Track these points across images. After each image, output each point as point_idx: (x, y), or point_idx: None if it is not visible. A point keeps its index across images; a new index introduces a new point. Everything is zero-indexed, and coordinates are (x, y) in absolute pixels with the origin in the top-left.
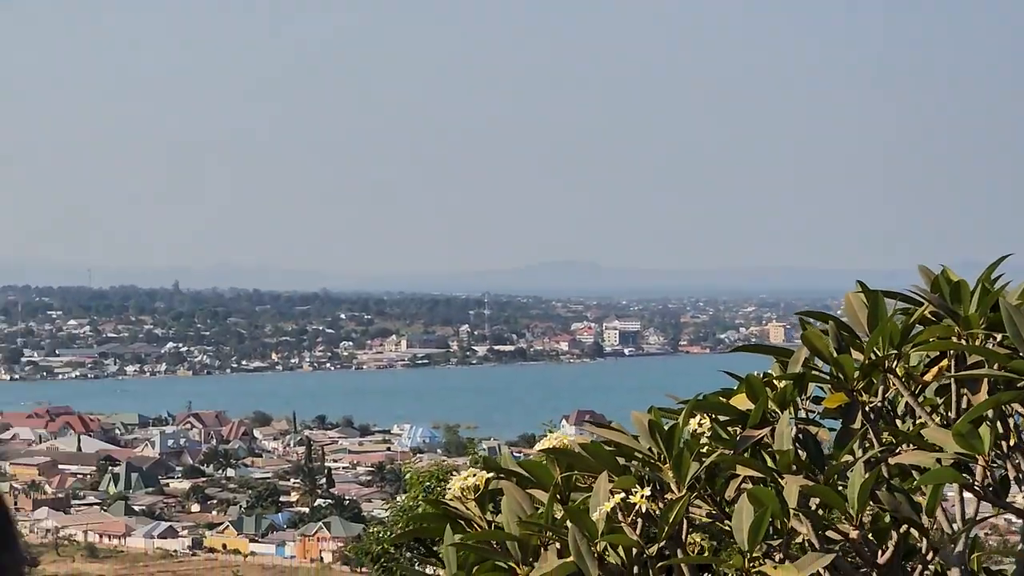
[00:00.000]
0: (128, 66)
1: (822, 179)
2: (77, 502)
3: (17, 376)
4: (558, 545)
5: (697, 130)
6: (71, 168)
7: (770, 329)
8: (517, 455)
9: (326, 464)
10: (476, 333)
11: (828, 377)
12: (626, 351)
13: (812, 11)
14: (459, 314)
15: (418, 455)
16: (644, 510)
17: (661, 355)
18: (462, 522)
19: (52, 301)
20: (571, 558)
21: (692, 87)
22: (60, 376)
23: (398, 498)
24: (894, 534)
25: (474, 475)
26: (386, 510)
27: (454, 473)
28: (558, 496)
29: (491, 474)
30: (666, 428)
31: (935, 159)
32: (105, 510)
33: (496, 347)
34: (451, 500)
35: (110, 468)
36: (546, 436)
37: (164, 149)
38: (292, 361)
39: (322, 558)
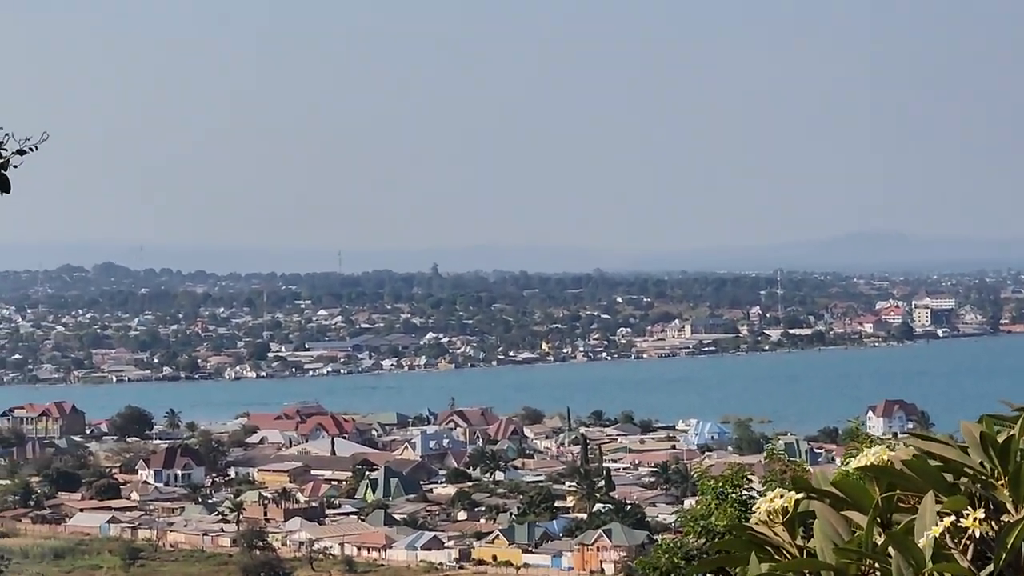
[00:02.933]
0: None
1: None
2: (332, 511)
3: (264, 373)
4: (879, 574)
5: (1007, 86)
6: (319, 148)
7: None
8: (817, 451)
9: (604, 465)
10: (768, 315)
11: None
12: (939, 332)
13: None
14: (749, 295)
15: (706, 453)
16: (978, 534)
17: (979, 335)
18: (770, 549)
19: (300, 290)
20: None
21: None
22: (310, 372)
23: (686, 502)
24: None
25: (782, 496)
26: (673, 515)
27: (749, 476)
28: (878, 519)
29: (801, 494)
30: (1000, 440)
31: None
32: (363, 520)
33: (791, 331)
34: (757, 524)
35: (367, 473)
36: (851, 428)
37: (432, 120)
38: (564, 351)
39: (603, 569)
